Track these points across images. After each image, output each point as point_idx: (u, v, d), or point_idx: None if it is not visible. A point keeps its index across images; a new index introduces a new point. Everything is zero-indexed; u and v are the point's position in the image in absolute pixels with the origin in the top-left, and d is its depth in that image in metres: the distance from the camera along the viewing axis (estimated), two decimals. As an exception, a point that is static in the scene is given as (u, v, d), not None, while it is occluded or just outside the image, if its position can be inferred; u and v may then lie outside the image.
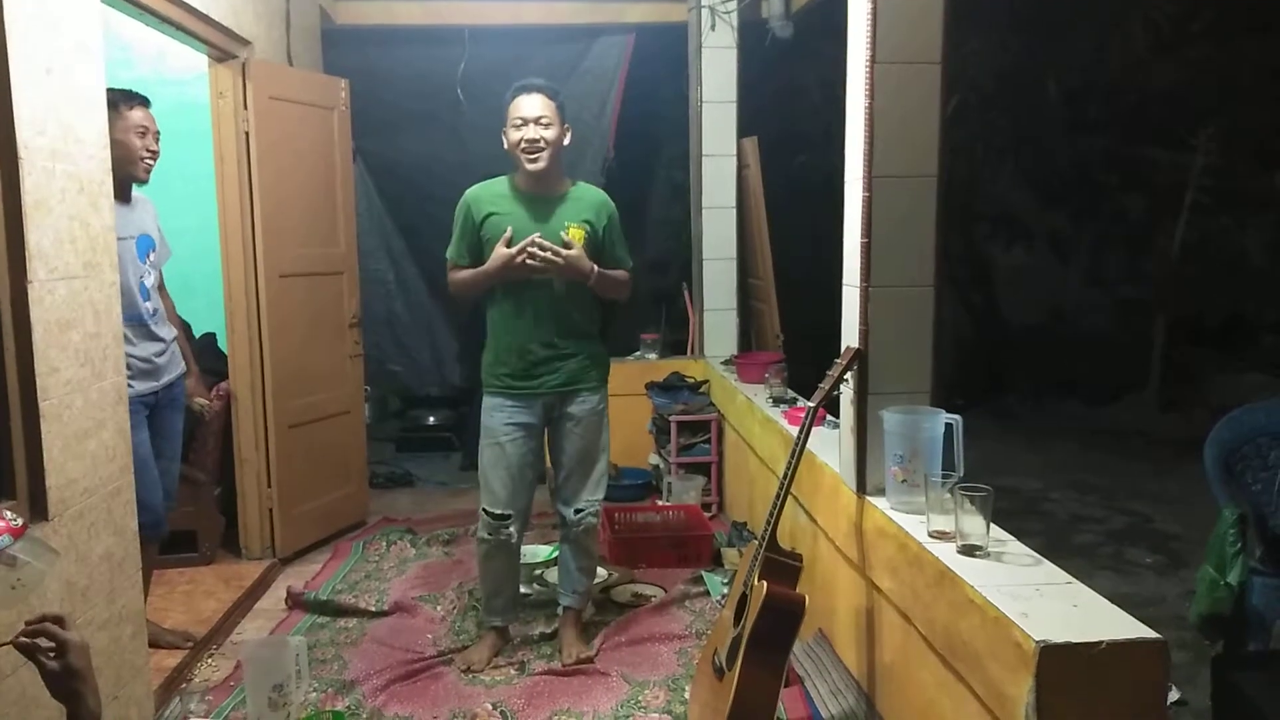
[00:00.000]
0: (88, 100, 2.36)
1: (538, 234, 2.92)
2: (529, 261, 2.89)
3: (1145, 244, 8.53)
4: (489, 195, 3.04)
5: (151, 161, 3.04)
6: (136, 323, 2.96)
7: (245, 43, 3.90)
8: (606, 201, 3.13)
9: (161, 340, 3.13)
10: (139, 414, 2.93)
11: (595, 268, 2.98)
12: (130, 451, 2.55)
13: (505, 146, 2.99)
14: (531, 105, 2.93)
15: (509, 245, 2.92)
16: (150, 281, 3.09)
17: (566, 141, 3.00)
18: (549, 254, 2.89)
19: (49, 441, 2.15)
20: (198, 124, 4.06)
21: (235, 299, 4.01)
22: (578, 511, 3.14)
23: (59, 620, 1.44)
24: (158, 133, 3.06)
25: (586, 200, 3.08)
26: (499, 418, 3.04)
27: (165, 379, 3.13)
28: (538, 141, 2.91)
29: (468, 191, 3.07)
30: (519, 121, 2.93)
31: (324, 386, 4.39)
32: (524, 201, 3.01)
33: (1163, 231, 8.38)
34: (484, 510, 3.09)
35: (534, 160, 2.93)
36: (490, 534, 3.09)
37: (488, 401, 3.07)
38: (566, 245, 2.93)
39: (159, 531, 3.11)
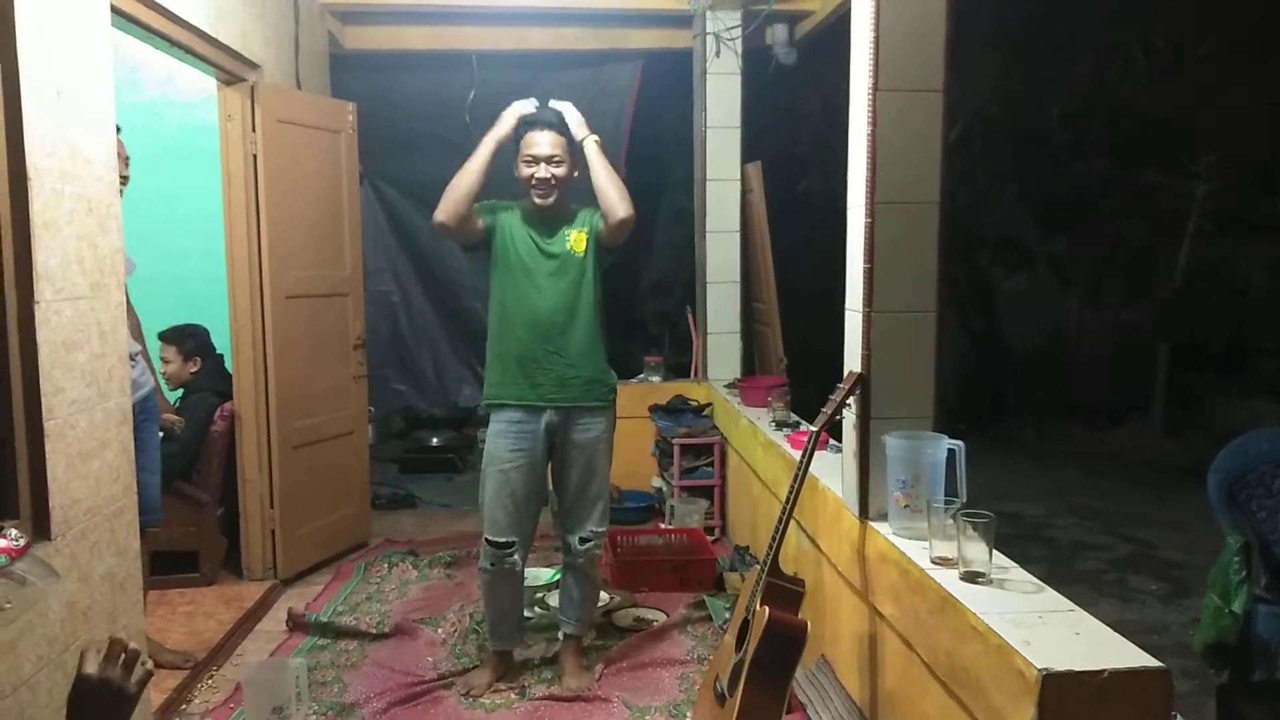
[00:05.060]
0: (97, 122, 2.38)
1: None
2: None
3: (1147, 269, 8.54)
4: (505, 206, 3.12)
5: (121, 187, 2.99)
6: None
7: (254, 66, 3.93)
8: None
9: (133, 357, 3.13)
10: None
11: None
12: (134, 472, 2.55)
13: (516, 176, 3.06)
14: (543, 143, 3.00)
15: (513, 256, 3.02)
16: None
17: (575, 175, 3.08)
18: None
19: (53, 461, 2.16)
20: (206, 146, 4.09)
21: (240, 320, 4.03)
22: (583, 541, 3.13)
23: (147, 673, 1.50)
24: (127, 158, 3.02)
25: (586, 214, 3.13)
26: (503, 444, 3.04)
27: (140, 393, 3.13)
28: (549, 179, 3.00)
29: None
30: (529, 159, 3.00)
31: (328, 407, 4.40)
32: (532, 221, 3.09)
33: (1165, 256, 8.40)
34: (486, 540, 3.06)
35: (543, 197, 3.03)
36: (493, 564, 3.07)
37: (492, 426, 3.08)
38: (570, 255, 3.03)
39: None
